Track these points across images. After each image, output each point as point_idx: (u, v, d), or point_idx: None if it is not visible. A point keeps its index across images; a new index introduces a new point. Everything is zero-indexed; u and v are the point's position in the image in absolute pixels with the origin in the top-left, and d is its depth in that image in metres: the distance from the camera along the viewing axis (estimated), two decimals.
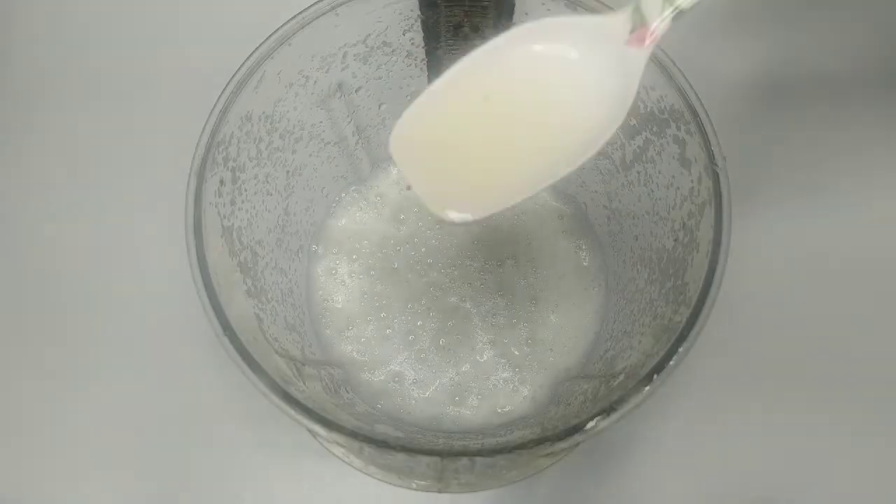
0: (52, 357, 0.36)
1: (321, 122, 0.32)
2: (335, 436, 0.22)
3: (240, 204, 0.28)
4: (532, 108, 0.23)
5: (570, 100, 0.23)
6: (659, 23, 0.22)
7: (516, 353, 0.34)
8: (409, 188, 0.25)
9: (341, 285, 0.35)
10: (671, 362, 0.23)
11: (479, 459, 0.22)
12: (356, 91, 0.32)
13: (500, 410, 0.33)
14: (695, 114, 0.26)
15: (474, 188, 0.24)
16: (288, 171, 0.31)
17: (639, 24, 0.22)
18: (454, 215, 0.24)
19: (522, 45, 0.23)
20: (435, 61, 0.32)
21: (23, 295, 0.37)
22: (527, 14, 0.29)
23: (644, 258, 0.31)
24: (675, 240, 0.28)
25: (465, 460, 0.22)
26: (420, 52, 0.31)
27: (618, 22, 0.23)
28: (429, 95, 0.23)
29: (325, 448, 0.33)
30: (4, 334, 0.37)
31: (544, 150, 0.23)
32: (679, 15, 0.22)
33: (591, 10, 0.27)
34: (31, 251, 0.38)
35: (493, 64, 0.23)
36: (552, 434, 0.22)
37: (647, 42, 0.22)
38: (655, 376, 0.23)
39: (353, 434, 0.22)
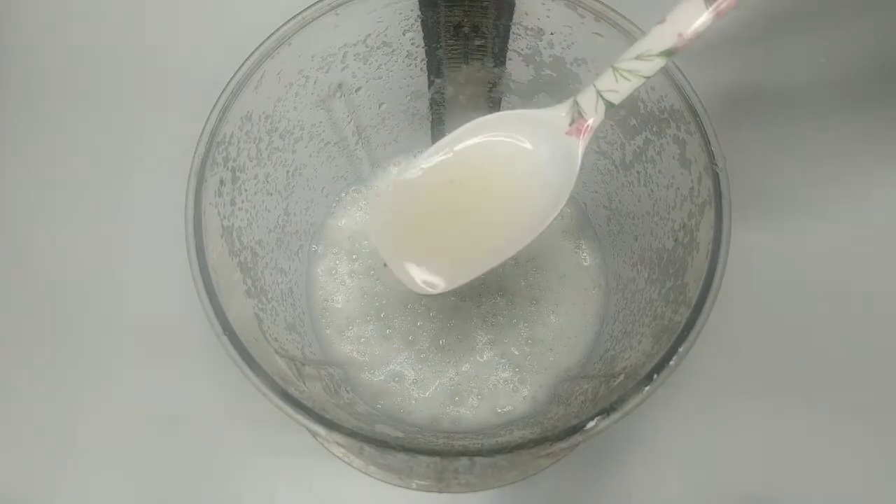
0: (52, 357, 0.36)
1: (321, 122, 0.32)
2: (335, 436, 0.22)
3: (240, 204, 0.28)
4: (490, 192, 0.27)
5: (523, 184, 0.27)
6: (595, 117, 0.25)
7: (516, 353, 0.34)
8: (385, 265, 0.29)
9: (341, 285, 0.35)
10: (671, 362, 0.23)
11: (479, 459, 0.22)
12: (356, 91, 0.32)
13: (500, 410, 0.33)
14: (695, 114, 0.26)
15: (442, 264, 0.28)
16: (288, 171, 0.31)
17: (577, 116, 0.26)
18: (428, 288, 0.27)
19: (482, 134, 0.27)
20: (435, 61, 0.32)
21: (23, 295, 0.37)
22: (527, 14, 0.29)
23: (644, 258, 0.31)
24: (675, 240, 0.28)
25: (465, 460, 0.22)
26: (420, 52, 0.31)
27: (560, 115, 0.26)
28: (399, 184, 0.27)
29: (325, 448, 0.33)
30: (4, 334, 0.37)
31: (501, 228, 0.27)
32: (610, 108, 0.25)
33: (591, 10, 0.27)
34: (31, 251, 0.38)
35: (456, 152, 0.27)
36: (552, 434, 0.22)
37: (585, 134, 0.26)
38: (655, 376, 0.23)
39: (353, 434, 0.22)
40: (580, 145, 0.26)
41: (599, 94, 0.25)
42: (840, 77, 0.41)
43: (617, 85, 0.24)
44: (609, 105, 0.25)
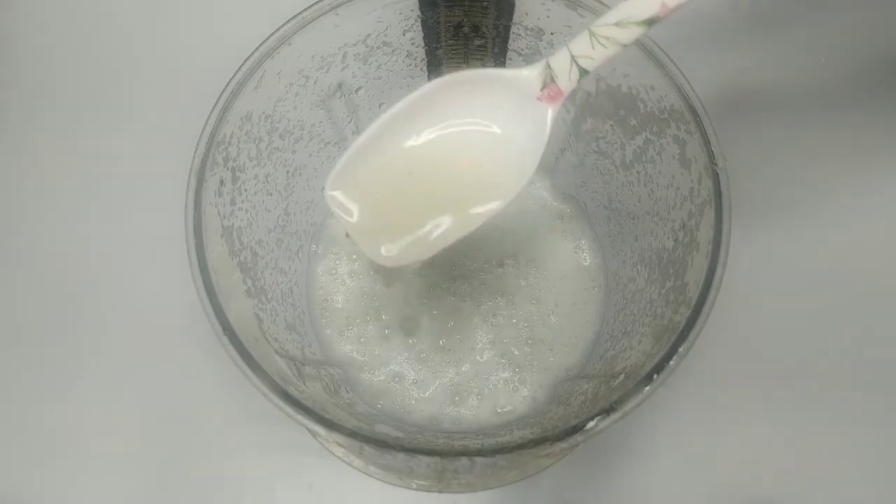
0: (52, 357, 0.36)
1: (321, 122, 0.32)
2: (335, 436, 0.22)
3: (240, 204, 0.28)
4: (457, 158, 0.26)
5: (488, 154, 0.26)
6: (567, 84, 0.24)
7: (516, 353, 0.34)
8: (347, 235, 0.28)
9: (341, 285, 0.35)
10: (671, 362, 0.23)
11: (479, 459, 0.22)
12: (356, 91, 0.32)
13: (500, 410, 0.33)
14: (695, 114, 0.26)
15: (406, 235, 0.26)
16: (288, 171, 0.31)
17: (549, 81, 0.25)
18: (389, 260, 0.26)
19: (447, 93, 0.25)
20: (435, 61, 0.32)
21: (22, 295, 0.37)
22: (527, 14, 0.29)
23: (644, 258, 0.31)
24: (675, 240, 0.28)
25: (465, 460, 0.22)
26: (420, 52, 0.31)
27: (531, 76, 0.25)
28: (358, 148, 0.26)
29: (325, 448, 0.33)
30: (4, 334, 0.37)
31: (465, 199, 0.26)
32: (584, 76, 0.24)
33: (591, 11, 0.27)
34: (31, 251, 0.38)
35: (419, 112, 0.25)
36: (552, 434, 0.22)
37: (556, 101, 0.25)
38: (655, 376, 0.23)
39: (353, 434, 0.22)
40: (550, 113, 0.25)
41: (574, 59, 0.24)
42: (840, 76, 0.41)
43: (593, 51, 0.23)
44: (583, 72, 0.24)
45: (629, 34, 0.23)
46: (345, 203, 0.26)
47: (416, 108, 0.25)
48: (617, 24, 0.23)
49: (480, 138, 0.26)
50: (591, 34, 0.23)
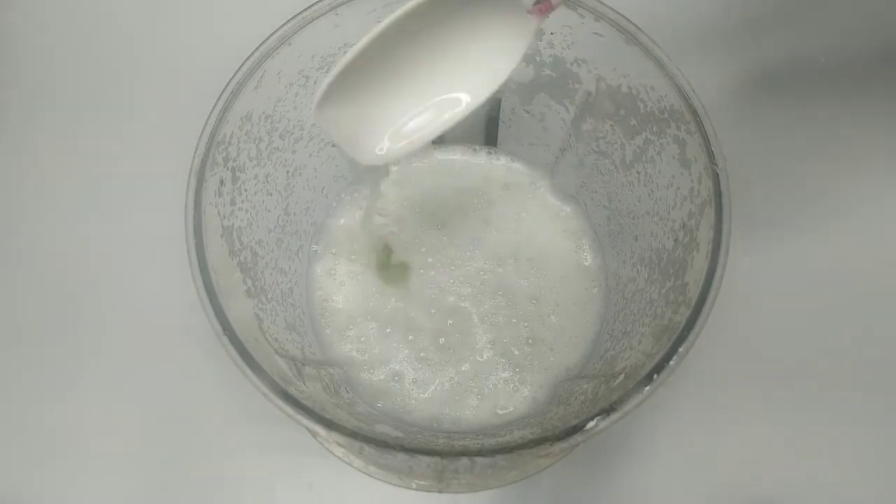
0: (52, 357, 0.36)
1: None
2: (335, 436, 0.22)
3: (240, 204, 0.28)
4: (441, 56, 0.26)
5: (468, 48, 0.26)
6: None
7: (516, 352, 0.34)
8: (333, 145, 0.29)
9: (341, 285, 0.35)
10: (671, 362, 0.23)
11: (479, 459, 0.22)
12: None
13: (500, 411, 0.33)
14: (695, 114, 0.26)
15: (391, 133, 0.27)
16: (288, 171, 0.31)
17: None
18: (381, 158, 0.27)
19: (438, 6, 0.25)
20: None
21: (22, 295, 0.37)
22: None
23: (644, 258, 0.31)
24: (675, 240, 0.28)
25: (465, 460, 0.22)
26: None
27: None
28: (349, 60, 0.25)
29: (325, 448, 0.33)
30: (4, 334, 0.37)
31: (447, 92, 0.27)
32: None
33: (591, 10, 0.27)
34: (31, 251, 0.38)
35: (409, 18, 0.25)
36: (552, 434, 0.22)
37: (544, 14, 0.25)
38: (655, 376, 0.23)
39: (353, 434, 0.22)
40: (535, 25, 0.25)
41: None
42: (843, 76, 0.41)
43: None
44: None
45: None
46: (334, 119, 0.26)
47: (406, 23, 0.25)
48: None
49: (460, 38, 0.26)
50: None
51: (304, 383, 0.27)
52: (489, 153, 0.38)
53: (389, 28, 0.25)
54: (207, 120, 0.26)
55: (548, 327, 0.34)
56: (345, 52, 0.25)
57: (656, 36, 0.27)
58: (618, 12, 0.27)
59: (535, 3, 0.25)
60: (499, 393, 0.33)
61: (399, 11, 0.25)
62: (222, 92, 0.26)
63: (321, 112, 0.26)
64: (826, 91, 0.40)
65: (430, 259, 0.36)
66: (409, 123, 0.27)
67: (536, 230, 0.36)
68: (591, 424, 0.22)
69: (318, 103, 0.25)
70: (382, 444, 0.22)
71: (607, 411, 0.23)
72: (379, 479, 0.32)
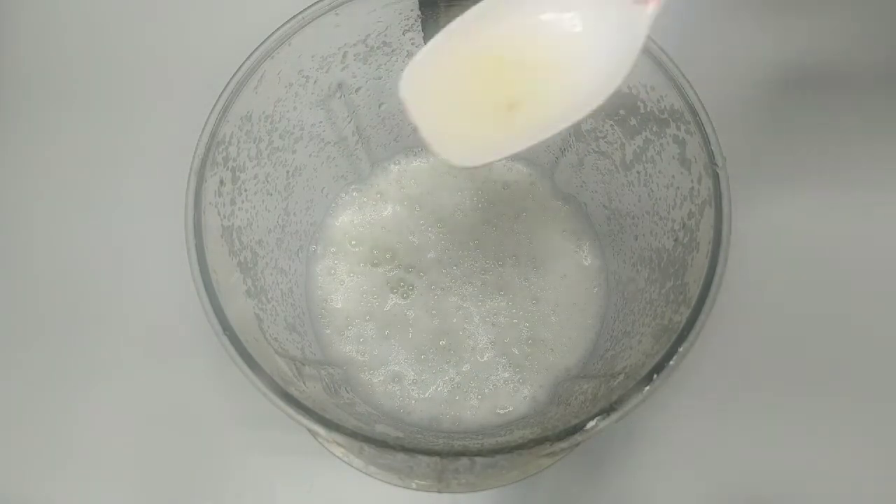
0: (52, 357, 0.36)
1: (321, 122, 0.32)
2: (335, 436, 0.22)
3: (240, 204, 0.28)
4: (539, 61, 0.24)
5: (575, 54, 0.23)
6: None
7: (517, 352, 0.34)
8: (415, 130, 0.25)
9: (340, 285, 0.35)
10: (671, 362, 0.23)
11: (479, 459, 0.22)
12: (356, 91, 0.32)
13: (500, 411, 0.33)
14: (695, 114, 0.26)
15: (478, 135, 0.24)
16: (288, 171, 0.31)
17: None
18: (458, 160, 0.24)
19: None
20: None
21: (22, 294, 0.37)
22: None
23: (644, 258, 0.31)
24: (675, 240, 0.28)
25: (465, 460, 0.22)
26: None
27: None
28: (441, 41, 0.23)
29: (325, 448, 0.33)
30: (4, 335, 0.37)
31: (548, 101, 0.24)
32: None
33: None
34: (31, 251, 0.38)
35: (505, 14, 0.23)
36: (552, 434, 0.22)
37: (652, 5, 0.22)
38: (655, 376, 0.23)
39: (353, 434, 0.22)
40: (646, 18, 0.23)
41: None
42: (844, 76, 0.41)
43: None
44: None
45: None
46: (419, 103, 0.24)
47: (497, 6, 0.23)
48: None
49: (564, 37, 0.24)
50: None
51: (304, 383, 0.27)
52: None
53: (483, 11, 0.23)
54: (207, 120, 0.26)
55: (548, 327, 0.34)
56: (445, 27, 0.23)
57: (656, 36, 0.27)
58: None
59: None
60: (499, 393, 0.33)
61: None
62: (222, 92, 0.26)
63: (407, 95, 0.23)
64: (829, 90, 0.40)
65: (430, 259, 0.36)
66: (496, 127, 0.24)
67: (536, 230, 0.36)
68: (591, 424, 0.22)
69: (406, 82, 0.23)
70: (382, 444, 0.22)
71: (607, 411, 0.23)
72: (379, 479, 0.32)
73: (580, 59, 0.24)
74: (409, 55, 0.31)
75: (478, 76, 0.24)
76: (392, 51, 0.31)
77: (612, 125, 0.30)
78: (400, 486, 0.31)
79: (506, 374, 0.34)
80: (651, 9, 0.22)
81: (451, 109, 0.24)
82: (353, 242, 0.36)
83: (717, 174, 0.25)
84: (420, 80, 0.24)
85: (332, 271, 0.35)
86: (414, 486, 0.31)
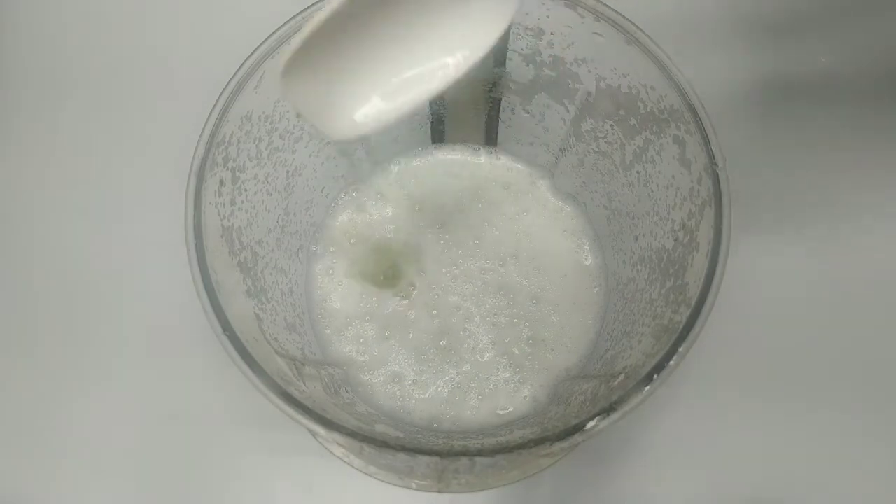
0: (52, 357, 0.36)
1: None
2: (335, 436, 0.22)
3: (240, 204, 0.28)
4: (415, 21, 0.23)
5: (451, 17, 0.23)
6: None
7: (517, 352, 0.34)
8: (297, 116, 0.26)
9: (339, 285, 0.35)
10: (671, 362, 0.23)
11: (479, 459, 0.22)
12: None
13: (500, 411, 0.33)
14: (695, 114, 0.26)
15: (363, 104, 0.24)
16: (288, 171, 0.31)
17: None
18: (349, 130, 0.24)
19: None
20: None
21: (22, 295, 0.37)
22: (527, 14, 0.29)
23: (644, 258, 0.31)
24: (675, 240, 0.28)
25: (465, 460, 0.22)
26: None
27: None
28: (312, 28, 0.22)
29: (325, 448, 0.33)
30: (3, 335, 0.37)
31: (436, 48, 0.23)
32: None
33: (591, 11, 0.27)
34: (31, 251, 0.38)
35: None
36: (552, 434, 0.22)
37: None
38: (655, 376, 0.23)
39: (353, 434, 0.22)
40: None
41: None
42: (844, 77, 0.41)
43: None
44: None
45: None
46: (302, 90, 0.23)
47: None
48: None
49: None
50: None
51: (304, 383, 0.27)
52: (489, 153, 0.38)
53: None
54: (207, 120, 0.26)
55: (548, 327, 0.34)
56: (310, 16, 0.23)
57: (656, 35, 0.27)
58: (618, 12, 0.27)
59: None
60: (499, 393, 0.33)
61: None
62: (222, 92, 0.26)
63: (288, 82, 0.23)
64: (828, 92, 0.40)
65: (430, 259, 0.36)
66: (394, 92, 0.24)
67: (537, 230, 0.36)
68: (591, 424, 0.22)
69: (284, 72, 0.23)
70: (382, 444, 0.22)
71: (607, 411, 0.23)
72: (379, 479, 0.32)
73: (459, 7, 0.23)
74: None
75: (356, 44, 0.23)
76: None
77: (612, 125, 0.30)
78: (400, 486, 0.31)
79: (506, 374, 0.34)
80: None
81: (333, 85, 0.24)
82: (353, 242, 0.36)
83: (717, 174, 0.25)
84: (298, 68, 0.23)
85: (332, 271, 0.35)
86: (414, 486, 0.31)
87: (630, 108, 0.29)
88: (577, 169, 0.34)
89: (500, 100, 0.34)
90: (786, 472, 0.34)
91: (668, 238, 0.28)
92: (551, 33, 0.29)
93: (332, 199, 0.36)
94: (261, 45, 0.27)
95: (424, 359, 0.34)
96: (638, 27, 0.27)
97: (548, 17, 0.28)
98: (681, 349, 0.23)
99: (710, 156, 0.25)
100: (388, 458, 0.23)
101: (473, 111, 0.35)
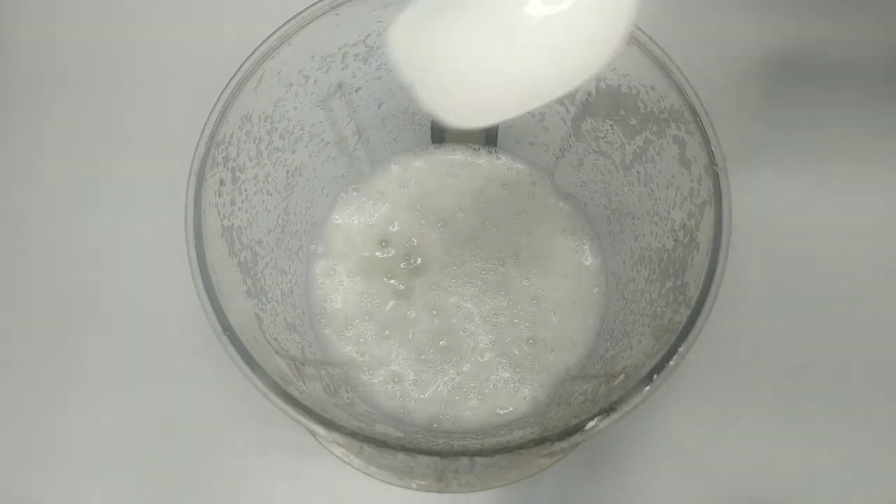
0: (51, 357, 0.36)
1: (321, 122, 0.32)
2: (335, 436, 0.22)
3: (240, 204, 0.28)
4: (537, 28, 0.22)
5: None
6: None
7: (517, 353, 0.34)
8: (412, 88, 0.23)
9: (339, 285, 0.35)
10: (671, 362, 0.23)
11: (479, 459, 0.22)
12: (356, 91, 0.32)
13: (500, 411, 0.33)
14: (695, 114, 0.26)
15: (480, 96, 0.23)
16: (288, 171, 0.31)
17: None
18: (463, 122, 0.23)
19: None
20: None
21: (22, 295, 0.37)
22: None
23: (644, 258, 0.31)
24: (675, 240, 0.28)
25: (465, 460, 0.22)
26: None
27: None
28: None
29: (325, 448, 0.33)
30: (3, 335, 0.37)
31: (543, 68, 0.22)
32: None
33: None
34: (31, 251, 0.38)
35: None
36: (552, 434, 0.22)
37: None
38: (655, 376, 0.23)
39: (353, 434, 0.22)
40: None
41: None
42: (844, 73, 0.41)
43: None
44: None
45: None
46: (409, 54, 0.22)
47: None
48: None
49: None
50: None
51: (304, 383, 0.27)
52: (489, 153, 0.38)
53: None
54: (207, 120, 0.26)
55: (548, 327, 0.34)
56: None
57: (656, 35, 0.27)
58: None
59: None
60: (499, 393, 0.33)
61: None
62: (222, 92, 0.26)
63: (396, 44, 0.21)
64: (830, 91, 0.40)
65: (430, 259, 0.36)
66: (495, 90, 0.22)
67: (537, 230, 0.36)
68: (591, 424, 0.22)
69: (397, 32, 0.21)
70: (382, 444, 0.22)
71: (607, 411, 0.23)
72: (379, 479, 0.32)
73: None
74: None
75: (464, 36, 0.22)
76: None
77: (612, 125, 0.30)
78: (400, 486, 0.31)
79: (506, 374, 0.34)
80: None
81: (442, 70, 0.22)
82: (353, 242, 0.36)
83: (717, 174, 0.25)
84: (408, 39, 0.22)
85: (332, 271, 0.35)
86: (414, 486, 0.31)
87: (630, 108, 0.29)
88: (577, 169, 0.34)
89: None
90: (786, 471, 0.34)
91: (668, 238, 0.28)
92: None
93: (332, 199, 0.36)
94: (261, 45, 0.27)
95: (424, 359, 0.34)
96: (637, 26, 0.27)
97: None
98: (681, 349, 0.23)
99: (710, 156, 0.25)
100: (387, 458, 0.23)
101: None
